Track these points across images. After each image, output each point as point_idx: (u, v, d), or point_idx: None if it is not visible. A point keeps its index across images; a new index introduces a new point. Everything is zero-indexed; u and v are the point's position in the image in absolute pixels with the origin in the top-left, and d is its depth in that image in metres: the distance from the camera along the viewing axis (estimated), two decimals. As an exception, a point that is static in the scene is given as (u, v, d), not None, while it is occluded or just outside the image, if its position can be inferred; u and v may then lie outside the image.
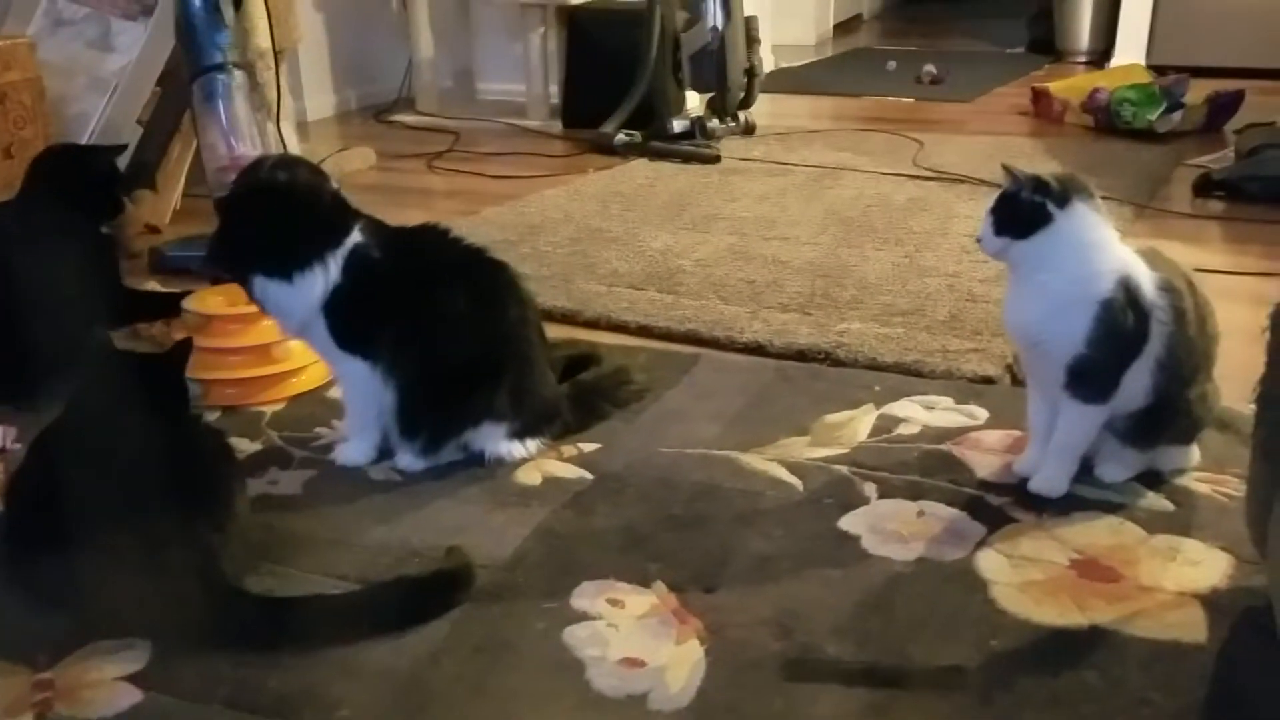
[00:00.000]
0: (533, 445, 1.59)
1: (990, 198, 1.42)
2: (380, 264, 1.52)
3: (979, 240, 1.42)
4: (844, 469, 1.54)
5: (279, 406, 1.76)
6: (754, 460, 1.57)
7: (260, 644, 1.16)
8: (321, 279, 1.49)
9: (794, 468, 1.54)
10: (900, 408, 1.71)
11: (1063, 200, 1.36)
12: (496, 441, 1.57)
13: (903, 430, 1.65)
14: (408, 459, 1.56)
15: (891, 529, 1.39)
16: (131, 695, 1.11)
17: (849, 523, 1.41)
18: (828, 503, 1.45)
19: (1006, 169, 1.39)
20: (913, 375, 1.83)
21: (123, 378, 1.31)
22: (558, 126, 3.95)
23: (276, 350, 1.77)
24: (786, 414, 1.70)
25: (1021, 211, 1.37)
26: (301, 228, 1.51)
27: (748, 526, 1.40)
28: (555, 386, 1.65)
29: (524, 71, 4.17)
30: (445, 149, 3.63)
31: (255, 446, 1.63)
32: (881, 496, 1.47)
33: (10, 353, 1.68)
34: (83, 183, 1.87)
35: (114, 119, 2.64)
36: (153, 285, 2.21)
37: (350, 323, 1.52)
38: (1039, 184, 1.37)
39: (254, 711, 1.09)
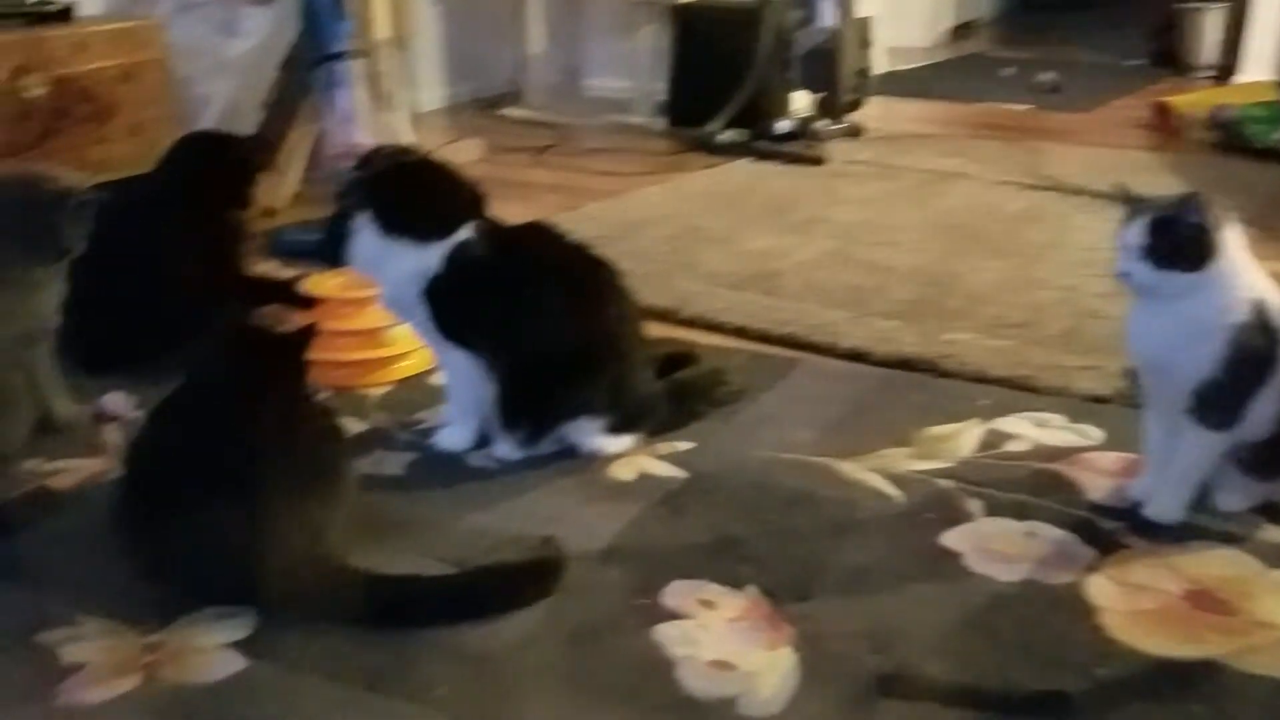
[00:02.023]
0: (627, 441, 1.59)
1: (1121, 220, 1.32)
2: (485, 260, 1.54)
3: (1122, 274, 1.31)
4: (947, 483, 1.50)
5: (386, 389, 1.79)
6: (852, 469, 1.54)
7: (361, 619, 1.18)
8: (415, 258, 1.51)
9: (894, 479, 1.51)
10: (1009, 423, 1.66)
11: (1222, 227, 1.28)
12: (592, 436, 1.58)
13: (1011, 447, 1.60)
14: (506, 448, 1.57)
15: (996, 548, 1.35)
16: (235, 662, 1.14)
17: (951, 539, 1.37)
18: (929, 517, 1.42)
19: (1169, 200, 1.27)
20: (1023, 390, 1.78)
21: (245, 353, 1.35)
22: (662, 124, 3.94)
23: (385, 335, 1.80)
24: (887, 424, 1.66)
25: (1189, 242, 1.26)
26: (407, 204, 1.54)
27: (844, 536, 1.38)
28: (652, 384, 1.65)
29: (631, 68, 4.17)
30: (550, 144, 3.66)
31: (362, 427, 1.66)
32: (987, 514, 1.42)
33: (130, 324, 1.75)
34: (219, 170, 1.93)
35: (237, 102, 2.72)
36: (268, 268, 2.27)
37: (452, 314, 1.55)
38: (1203, 210, 1.26)
39: (353, 684, 1.11)
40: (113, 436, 1.59)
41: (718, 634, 1.19)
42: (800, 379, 1.84)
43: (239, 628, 1.18)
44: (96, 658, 1.13)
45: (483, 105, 4.36)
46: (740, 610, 1.23)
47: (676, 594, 1.26)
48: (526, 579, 1.27)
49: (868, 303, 2.16)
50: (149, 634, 1.17)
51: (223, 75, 2.74)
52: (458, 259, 1.53)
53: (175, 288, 1.79)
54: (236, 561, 1.18)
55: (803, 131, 3.49)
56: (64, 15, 2.48)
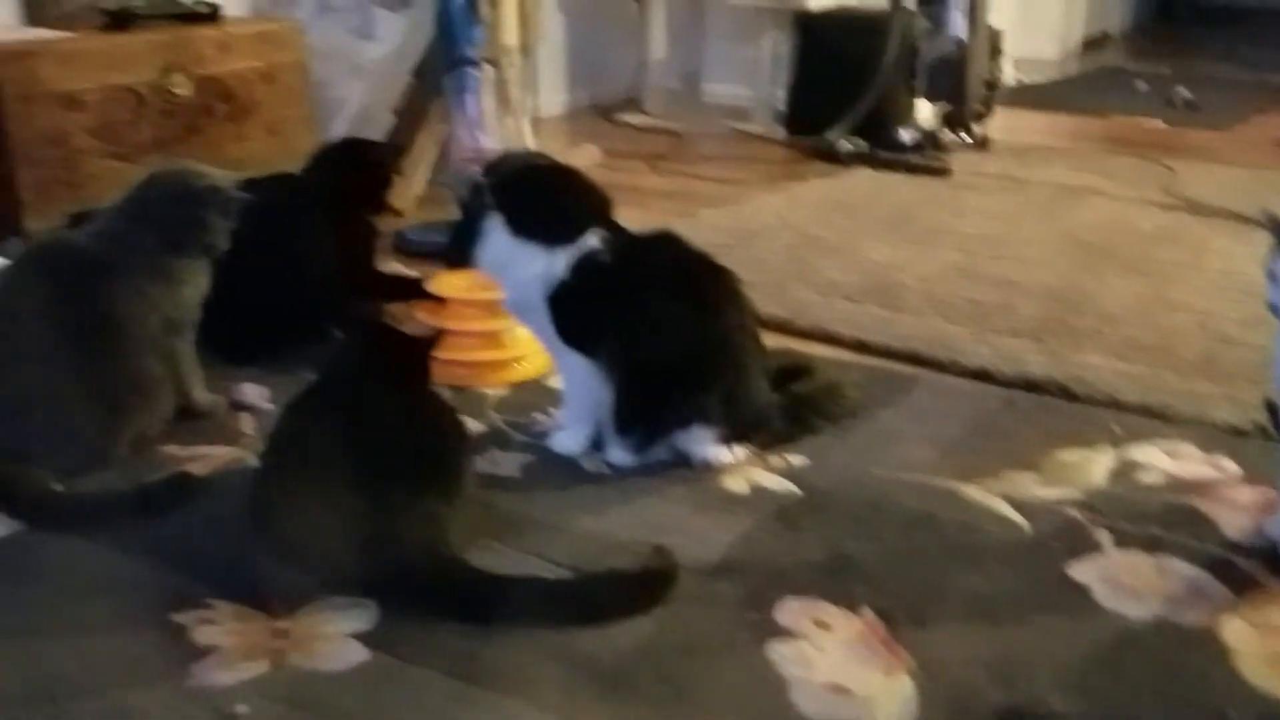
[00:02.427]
0: (740, 452, 1.58)
1: (1270, 248, 1.26)
2: (608, 268, 1.55)
3: (1274, 306, 1.27)
4: (1075, 512, 1.45)
5: (503, 391, 1.81)
6: (975, 492, 1.50)
7: (477, 616, 1.20)
8: (543, 263, 1.53)
9: (1020, 505, 1.46)
10: (1141, 452, 1.60)
11: None
12: (705, 445, 1.57)
13: (1143, 477, 1.54)
14: (619, 453, 1.58)
15: (1126, 582, 1.30)
16: (359, 653, 1.16)
17: (1079, 571, 1.32)
18: (1056, 546, 1.37)
19: None
20: (1156, 418, 1.71)
21: (375, 351, 1.39)
22: (781, 132, 3.91)
23: (505, 336, 1.82)
24: (1012, 447, 1.62)
25: None
26: (537, 208, 1.56)
27: (966, 562, 1.34)
28: (768, 395, 1.64)
29: (751, 75, 4.16)
30: (667, 150, 3.66)
31: (479, 427, 1.68)
32: (1116, 546, 1.37)
33: (268, 318, 1.81)
34: (360, 175, 2.00)
35: (370, 105, 2.81)
36: (394, 266, 2.33)
37: (574, 318, 1.56)
38: None
39: (469, 682, 1.12)
40: (246, 425, 1.65)
41: (833, 656, 1.17)
42: (921, 396, 1.81)
43: (363, 619, 1.21)
44: (227, 640, 1.17)
45: (601, 111, 4.40)
46: (856, 633, 1.21)
47: (790, 612, 1.24)
48: (639, 587, 1.27)
49: (993, 319, 2.10)
50: (277, 620, 1.21)
51: (357, 78, 2.82)
52: (584, 264, 1.54)
53: (313, 284, 1.86)
54: (360, 552, 1.21)
55: (927, 142, 3.43)
56: (213, 16, 2.59)
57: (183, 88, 2.43)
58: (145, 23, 2.47)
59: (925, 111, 3.63)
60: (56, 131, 2.24)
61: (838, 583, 1.29)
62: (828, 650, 1.18)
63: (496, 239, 1.55)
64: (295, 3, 2.95)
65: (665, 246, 1.62)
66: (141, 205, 1.54)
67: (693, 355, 1.54)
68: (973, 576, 1.31)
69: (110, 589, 1.26)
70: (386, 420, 1.28)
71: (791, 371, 1.77)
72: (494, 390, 1.81)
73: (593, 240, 1.54)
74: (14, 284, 1.48)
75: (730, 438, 1.58)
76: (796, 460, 1.59)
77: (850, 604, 1.25)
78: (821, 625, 1.22)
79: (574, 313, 1.56)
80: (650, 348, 1.54)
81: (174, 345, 1.57)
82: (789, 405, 1.66)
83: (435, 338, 1.44)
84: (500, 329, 1.82)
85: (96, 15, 2.46)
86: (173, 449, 1.56)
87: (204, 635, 1.18)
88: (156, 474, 1.48)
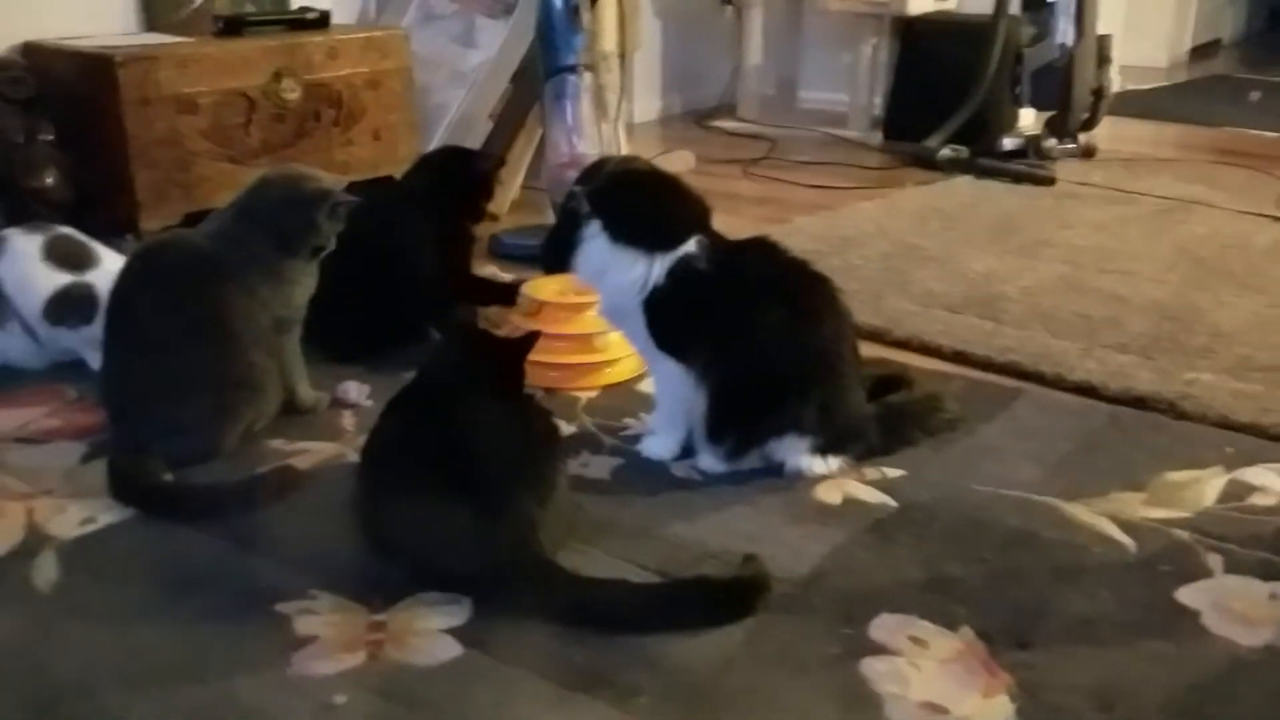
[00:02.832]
0: (834, 463, 1.56)
1: None
2: (706, 276, 1.54)
3: None
4: (1185, 535, 1.39)
5: (594, 394, 1.82)
6: (1080, 512, 1.45)
7: (568, 618, 1.21)
8: (642, 269, 1.53)
9: (1126, 526, 1.41)
10: (1255, 474, 1.53)
11: None
12: (798, 454, 1.55)
13: (1257, 500, 1.47)
14: (710, 461, 1.57)
15: (1238, 609, 1.25)
16: (453, 649, 1.18)
17: (1188, 595, 1.27)
18: (1164, 570, 1.32)
19: None
20: (1270, 440, 1.64)
21: (473, 354, 1.41)
22: (878, 138, 3.87)
23: (598, 340, 1.83)
24: (1119, 465, 1.56)
25: None
26: (636, 214, 1.56)
27: (1069, 583, 1.30)
28: (863, 405, 1.61)
29: (849, 81, 4.11)
30: (762, 156, 3.65)
31: (570, 429, 1.69)
32: (1228, 571, 1.32)
33: (371, 318, 1.85)
34: (461, 184, 2.03)
35: (469, 112, 2.85)
36: (490, 270, 2.37)
37: (669, 326, 1.56)
38: None
39: (560, 684, 1.13)
40: (348, 422, 1.68)
41: (929, 674, 1.15)
42: (1023, 411, 1.76)
43: (457, 615, 1.22)
44: (327, 631, 1.20)
45: (695, 117, 4.40)
46: (954, 652, 1.18)
47: (885, 628, 1.22)
48: (730, 596, 1.26)
49: (1099, 334, 2.04)
50: (375, 613, 1.23)
51: (458, 85, 2.87)
52: (681, 271, 1.53)
53: (412, 287, 1.90)
54: (455, 550, 1.23)
55: (1030, 150, 3.35)
56: (322, 23, 2.66)
57: (292, 93, 2.50)
58: (257, 29, 2.55)
59: (1029, 119, 3.55)
60: (172, 134, 2.32)
61: (935, 600, 1.26)
62: (924, 668, 1.15)
63: (593, 245, 1.56)
64: (400, 10, 3.02)
65: (763, 253, 1.60)
66: (254, 208, 1.58)
67: (790, 364, 1.53)
68: (1076, 598, 1.27)
69: (217, 578, 1.30)
70: (483, 422, 1.30)
71: (889, 381, 1.74)
72: (586, 393, 1.82)
73: (690, 247, 1.54)
74: (133, 281, 1.53)
75: (824, 448, 1.56)
76: (892, 473, 1.56)
77: (948, 622, 1.22)
78: (918, 643, 1.19)
79: (670, 319, 1.55)
80: (746, 356, 1.53)
81: (282, 343, 1.61)
82: (885, 416, 1.64)
83: (530, 341, 1.46)
84: (594, 333, 1.82)
85: (211, 21, 2.55)
86: (278, 443, 1.61)
87: (305, 625, 1.21)
88: (262, 467, 1.52)
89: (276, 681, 1.12)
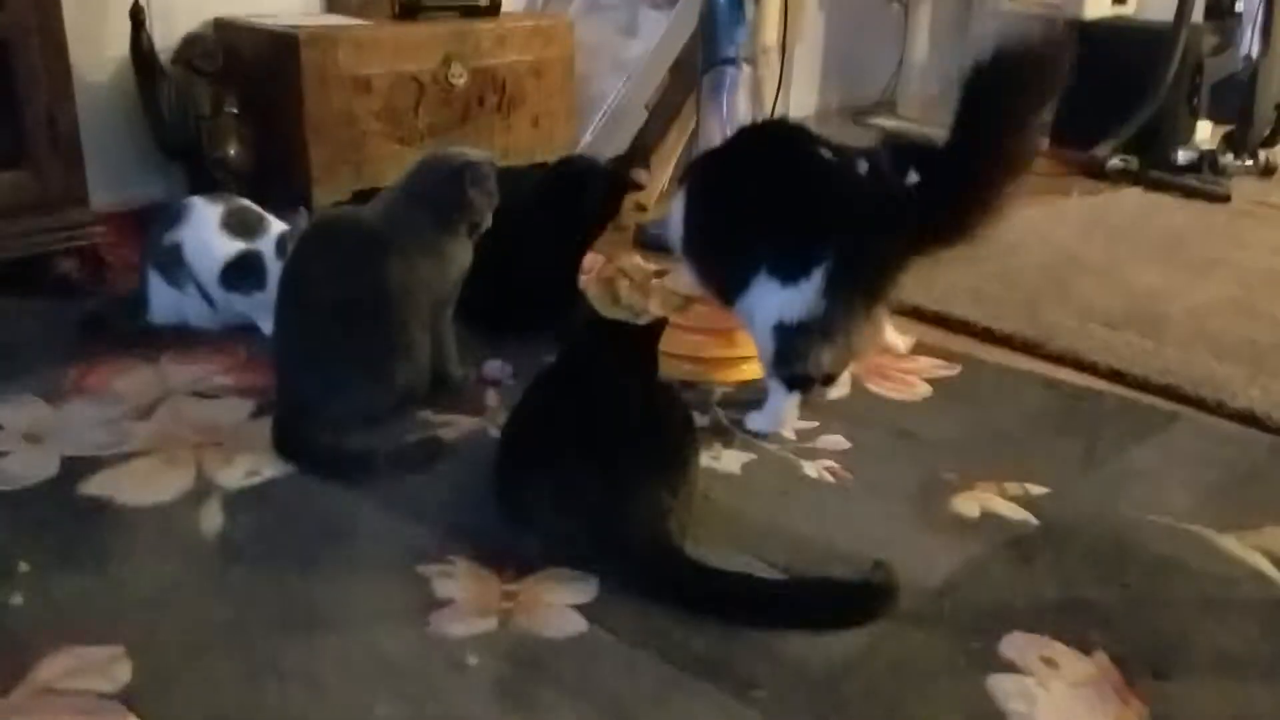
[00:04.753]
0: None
1: None
2: None
3: None
4: (1346, 578, 1.32)
5: (729, 388, 1.83)
6: (1232, 544, 1.39)
7: (693, 605, 1.23)
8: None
9: (1281, 563, 1.35)
10: None
11: None
12: None
13: None
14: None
15: (1398, 661, 1.17)
16: (578, 624, 1.21)
17: (1342, 641, 1.21)
18: (1319, 612, 1.26)
19: None
20: None
21: (608, 341, 1.44)
22: (1044, 143, 3.73)
23: (736, 335, 1.84)
24: (1278, 499, 1.49)
25: None
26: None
27: (1215, 616, 1.25)
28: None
29: (1016, 84, 3.98)
30: (921, 156, 3.57)
31: (702, 421, 1.70)
32: (1389, 619, 1.24)
33: (503, 302, 1.90)
34: (581, 199, 2.01)
35: (627, 101, 2.89)
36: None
37: None
38: None
39: (677, 666, 1.15)
40: (491, 399, 1.74)
41: (1059, 696, 1.12)
42: (1179, 436, 1.69)
43: (585, 591, 1.26)
44: (462, 595, 1.25)
45: (853, 113, 4.34)
46: (1086, 676, 1.15)
47: (1016, 646, 1.19)
48: (856, 599, 1.25)
49: (1267, 361, 1.94)
50: (507, 582, 1.27)
51: (617, 75, 2.91)
52: None
53: (550, 278, 1.94)
54: (588, 528, 1.27)
55: (1205, 164, 3.18)
56: (493, 10, 2.73)
57: (459, 78, 2.58)
58: (432, 13, 2.64)
59: (1206, 132, 3.38)
60: (346, 113, 2.43)
61: (1070, 621, 1.23)
62: (1054, 690, 1.13)
63: None
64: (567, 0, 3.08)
65: None
66: (413, 187, 1.65)
67: None
68: (1220, 631, 1.22)
69: (366, 535, 1.37)
70: (620, 405, 1.33)
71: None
72: (721, 387, 1.83)
73: None
74: (305, 252, 1.62)
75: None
76: (1035, 490, 1.52)
77: (1083, 645, 1.19)
78: (1049, 663, 1.17)
79: None
80: None
81: (436, 319, 1.68)
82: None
83: (660, 327, 1.47)
84: (731, 327, 1.83)
85: (388, 4, 2.65)
86: (426, 414, 1.67)
87: (443, 588, 1.26)
88: (412, 435, 1.59)
89: (416, 638, 1.18)
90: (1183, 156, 3.22)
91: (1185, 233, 2.73)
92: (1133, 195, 3.09)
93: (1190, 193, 3.06)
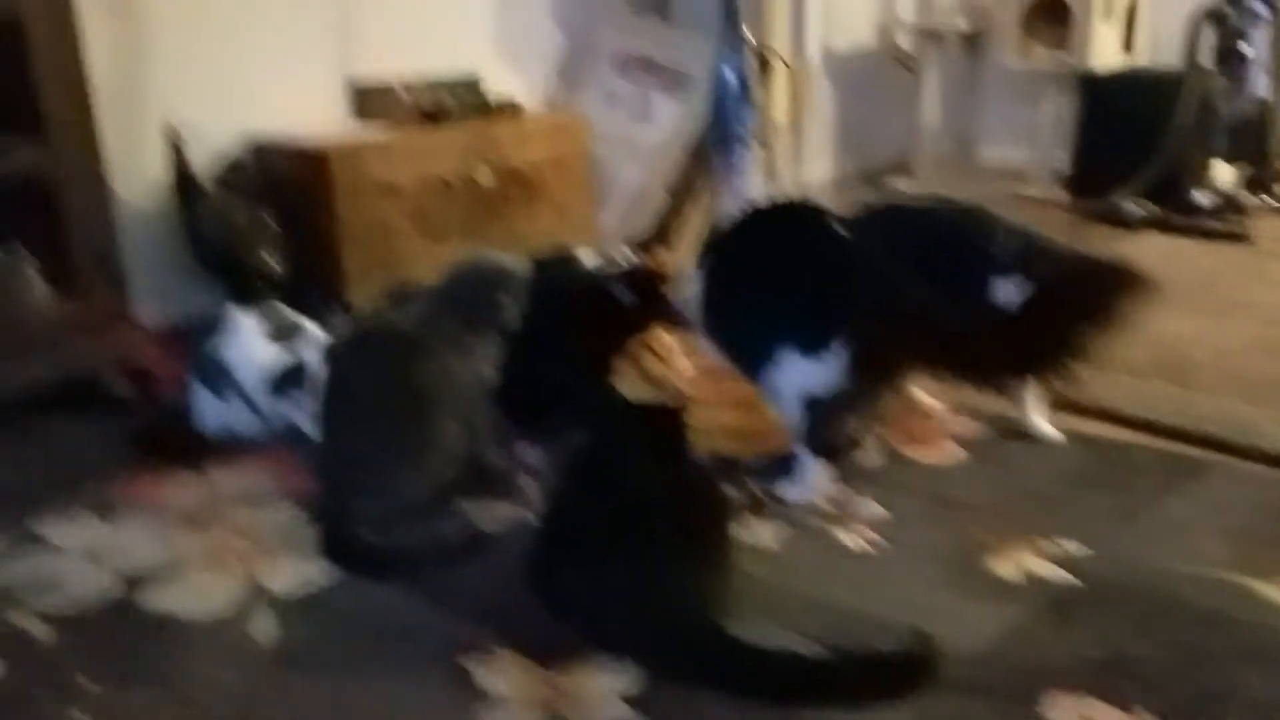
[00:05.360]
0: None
1: None
2: None
3: None
4: (1390, 622, 1.31)
5: (762, 460, 1.83)
6: (1273, 592, 1.39)
7: (737, 689, 1.24)
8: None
9: (1324, 609, 1.34)
10: None
11: None
12: None
13: None
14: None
15: None
16: (624, 712, 1.23)
17: (1389, 687, 1.20)
18: (1364, 658, 1.25)
19: None
20: None
21: (634, 424, 1.47)
22: (1062, 195, 3.77)
23: (764, 406, 1.86)
24: (1319, 544, 1.49)
25: None
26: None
27: (1259, 667, 1.25)
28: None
29: (1030, 137, 4.04)
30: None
31: (735, 494, 1.71)
32: None
33: (542, 392, 1.93)
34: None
35: (644, 184, 2.97)
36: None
37: None
38: None
39: (730, 757, 1.16)
40: (527, 486, 1.78)
41: (1103, 758, 1.12)
42: (1215, 483, 1.69)
43: (629, 680, 1.28)
44: (508, 688, 1.27)
45: (869, 177, 4.40)
46: (1130, 735, 1.15)
47: (1059, 708, 1.20)
48: (898, 671, 1.26)
49: (1300, 402, 1.94)
50: (553, 672, 1.30)
51: (635, 159, 3.00)
52: None
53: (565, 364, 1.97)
54: (627, 619, 1.29)
55: (1225, 206, 3.19)
56: (514, 111, 2.83)
57: (486, 178, 2.67)
58: (455, 119, 2.74)
59: (1224, 174, 3.39)
60: (378, 218, 2.52)
61: (1111, 680, 1.24)
62: (1098, 751, 1.13)
63: None
64: (583, 93, 3.18)
65: None
66: (446, 292, 1.73)
67: None
68: (1266, 683, 1.22)
69: (411, 632, 1.40)
70: (647, 490, 1.35)
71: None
72: (751, 458, 1.84)
73: None
74: (345, 362, 1.70)
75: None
76: (1073, 549, 1.53)
77: (1124, 704, 1.20)
78: (1092, 724, 1.17)
79: None
80: None
81: (471, 411, 1.73)
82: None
83: (683, 405, 1.50)
84: (757, 398, 1.85)
85: (414, 112, 2.76)
86: (466, 504, 1.70)
87: (488, 681, 1.28)
88: (453, 527, 1.63)
89: (463, 734, 1.20)
90: (1203, 199, 3.23)
91: (1208, 275, 2.74)
92: (1154, 241, 3.10)
93: (1211, 235, 3.07)
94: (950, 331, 1.57)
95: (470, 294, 1.70)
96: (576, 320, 1.86)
